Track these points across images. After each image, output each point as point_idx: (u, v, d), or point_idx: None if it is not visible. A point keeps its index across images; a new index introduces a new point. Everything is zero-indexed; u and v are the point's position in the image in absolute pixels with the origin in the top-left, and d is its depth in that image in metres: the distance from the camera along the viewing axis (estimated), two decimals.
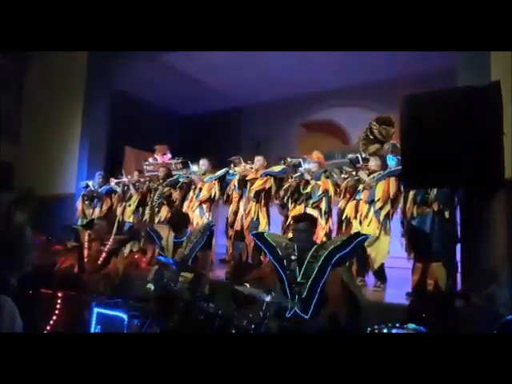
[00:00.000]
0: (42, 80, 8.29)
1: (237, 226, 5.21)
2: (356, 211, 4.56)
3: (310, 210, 4.82)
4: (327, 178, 4.94)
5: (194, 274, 3.74)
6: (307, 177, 4.99)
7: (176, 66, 8.30)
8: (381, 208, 4.41)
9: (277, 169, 5.27)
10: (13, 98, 8.40)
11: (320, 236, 4.74)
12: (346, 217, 4.64)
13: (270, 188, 5.19)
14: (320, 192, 4.86)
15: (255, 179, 5.20)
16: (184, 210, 5.62)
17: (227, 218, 5.46)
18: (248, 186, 5.24)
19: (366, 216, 4.46)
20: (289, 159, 5.36)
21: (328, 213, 4.88)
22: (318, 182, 4.92)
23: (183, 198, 5.84)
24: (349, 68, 7.80)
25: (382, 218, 4.41)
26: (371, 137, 6.56)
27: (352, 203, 4.64)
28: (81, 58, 7.58)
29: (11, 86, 8.39)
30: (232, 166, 5.59)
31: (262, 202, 5.17)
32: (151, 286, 3.76)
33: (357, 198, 4.62)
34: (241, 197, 5.33)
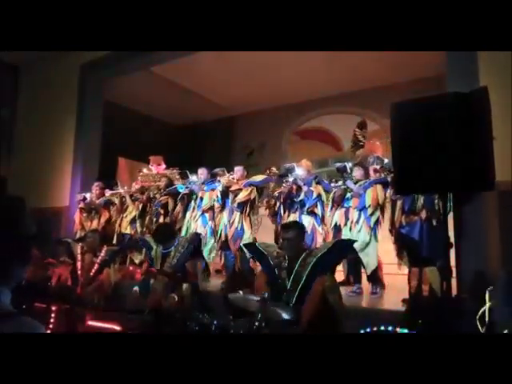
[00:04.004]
0: (34, 93, 8.28)
1: (222, 237, 5.20)
2: (346, 218, 4.62)
3: (305, 217, 4.86)
4: (318, 183, 4.99)
5: (188, 284, 3.73)
6: (300, 182, 5.00)
7: (167, 76, 8.34)
8: (372, 214, 4.49)
9: (258, 178, 5.27)
10: (5, 111, 8.38)
11: (318, 241, 4.78)
12: (336, 224, 4.68)
13: (254, 198, 5.19)
14: (314, 196, 4.90)
15: (239, 190, 5.20)
16: (187, 220, 5.62)
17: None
18: (231, 197, 5.25)
19: (357, 222, 4.52)
20: (274, 169, 5.37)
21: (324, 218, 4.92)
22: (311, 188, 4.96)
23: (185, 209, 5.81)
24: (341, 75, 7.86)
25: (372, 224, 4.49)
26: (357, 142, 6.68)
27: (341, 211, 4.71)
28: (73, 70, 7.59)
29: (4, 99, 8.38)
30: (217, 177, 5.57)
31: (246, 211, 5.17)
32: (137, 289, 3.76)
33: (345, 205, 4.68)
34: (223, 208, 5.33)
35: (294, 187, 5.02)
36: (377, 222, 4.53)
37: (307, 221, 4.79)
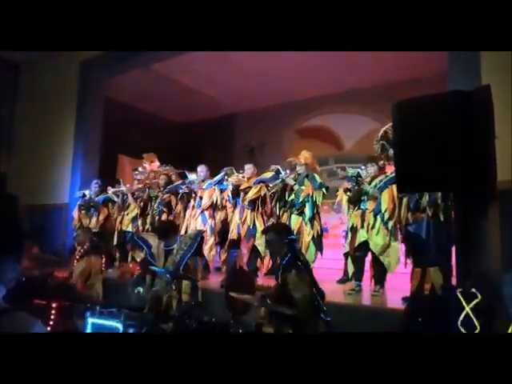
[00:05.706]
0: (34, 92, 8.28)
1: (233, 235, 5.17)
2: (362, 220, 4.57)
3: (294, 217, 4.91)
4: (310, 181, 4.99)
5: (190, 281, 3.73)
6: (291, 182, 5.04)
7: (168, 74, 8.32)
8: (389, 218, 4.41)
9: (268, 175, 5.27)
10: (5, 110, 8.38)
11: (305, 242, 4.80)
12: (353, 226, 4.66)
13: (265, 195, 5.19)
14: (301, 198, 4.91)
15: (249, 188, 5.20)
16: (186, 219, 5.63)
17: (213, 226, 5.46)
18: (242, 195, 5.23)
19: (373, 226, 4.47)
20: (273, 166, 5.40)
21: (313, 218, 4.91)
22: (302, 187, 4.97)
23: (185, 208, 5.82)
24: (342, 74, 7.85)
25: (390, 227, 4.42)
26: (383, 141, 6.55)
27: (357, 213, 4.66)
28: (73, 68, 7.58)
29: (4, 98, 8.38)
30: (225, 177, 5.57)
31: (259, 209, 5.15)
32: (140, 289, 3.76)
33: (362, 207, 4.65)
34: (234, 206, 5.32)
35: (288, 187, 5.06)
36: (395, 223, 4.43)
37: (296, 220, 4.84)
